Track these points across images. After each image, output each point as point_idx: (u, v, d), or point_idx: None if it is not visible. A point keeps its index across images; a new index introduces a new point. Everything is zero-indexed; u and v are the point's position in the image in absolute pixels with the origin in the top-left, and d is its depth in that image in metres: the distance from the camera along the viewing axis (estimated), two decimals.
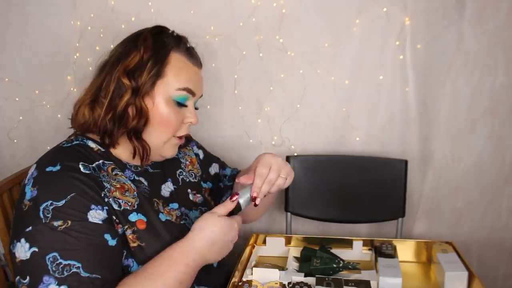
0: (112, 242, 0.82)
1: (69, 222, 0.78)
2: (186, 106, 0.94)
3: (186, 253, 0.84)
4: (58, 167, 0.82)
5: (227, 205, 0.90)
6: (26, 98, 1.55)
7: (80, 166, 0.84)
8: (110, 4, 1.46)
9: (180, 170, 1.08)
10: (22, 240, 0.77)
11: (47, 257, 0.76)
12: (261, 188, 0.92)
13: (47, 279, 0.75)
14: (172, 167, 1.06)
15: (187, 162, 1.12)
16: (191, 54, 0.95)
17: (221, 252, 0.88)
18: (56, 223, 0.77)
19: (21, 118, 1.57)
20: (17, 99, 1.55)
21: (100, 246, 0.80)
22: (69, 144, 0.89)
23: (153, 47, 0.90)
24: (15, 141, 1.59)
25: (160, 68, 0.90)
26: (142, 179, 0.95)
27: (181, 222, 0.97)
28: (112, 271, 0.81)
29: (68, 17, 1.47)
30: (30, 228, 0.77)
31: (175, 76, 0.91)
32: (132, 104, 0.88)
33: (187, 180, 1.08)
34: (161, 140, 0.93)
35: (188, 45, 0.96)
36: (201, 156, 1.18)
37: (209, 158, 1.20)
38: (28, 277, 0.76)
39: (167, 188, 1.00)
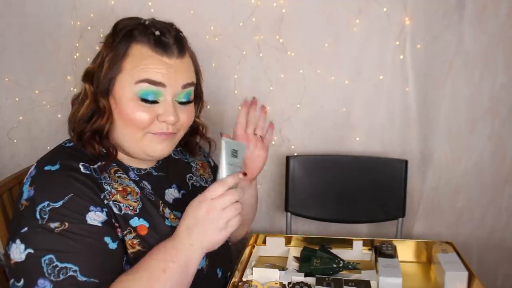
0: (113, 245, 0.79)
1: (67, 224, 0.75)
2: (157, 102, 0.83)
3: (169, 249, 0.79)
4: (57, 166, 0.80)
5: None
6: (26, 98, 1.55)
7: (80, 166, 0.81)
8: (110, 4, 1.45)
9: (190, 174, 1.03)
10: (18, 241, 0.75)
11: (43, 259, 0.73)
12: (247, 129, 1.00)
13: (42, 282, 0.72)
14: (179, 172, 1.01)
15: (198, 166, 1.07)
16: (158, 42, 0.82)
17: (211, 228, 0.78)
18: (53, 225, 0.74)
19: (21, 118, 1.57)
20: (17, 99, 1.55)
21: (99, 249, 0.77)
22: (71, 144, 0.87)
23: (112, 44, 0.83)
24: (15, 141, 1.59)
25: (118, 63, 0.82)
26: (146, 183, 0.91)
27: None
28: (113, 275, 0.77)
29: (68, 17, 1.47)
30: (26, 229, 0.75)
31: (133, 69, 0.81)
32: (96, 107, 0.84)
33: (197, 184, 1.03)
34: (132, 139, 0.85)
35: (157, 33, 0.82)
36: (212, 163, 1.14)
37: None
38: (22, 280, 0.73)
39: (170, 195, 0.95)
